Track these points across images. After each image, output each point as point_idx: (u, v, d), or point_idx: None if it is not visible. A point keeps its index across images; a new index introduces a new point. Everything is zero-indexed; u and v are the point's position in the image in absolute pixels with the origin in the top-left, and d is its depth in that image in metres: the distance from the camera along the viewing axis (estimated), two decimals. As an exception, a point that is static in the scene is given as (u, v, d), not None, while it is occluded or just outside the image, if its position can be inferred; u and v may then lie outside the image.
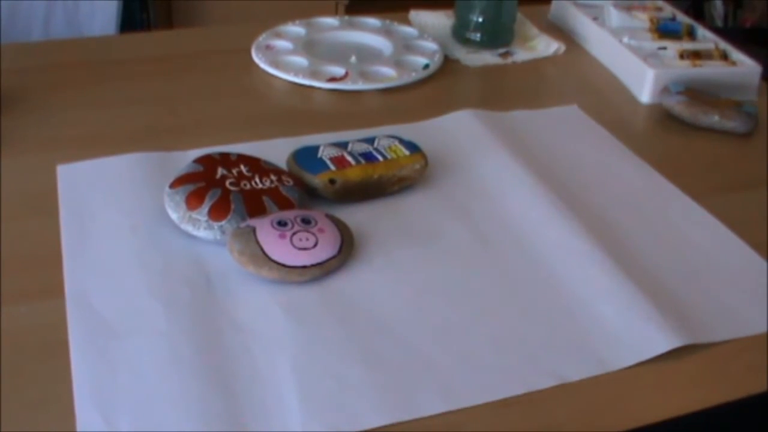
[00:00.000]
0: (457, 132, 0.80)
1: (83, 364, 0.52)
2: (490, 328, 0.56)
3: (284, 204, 0.64)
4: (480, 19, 1.00)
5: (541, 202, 0.69)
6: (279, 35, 1.01)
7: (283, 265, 0.58)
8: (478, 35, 1.01)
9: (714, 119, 0.84)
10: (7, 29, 1.50)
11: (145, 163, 0.72)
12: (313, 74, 0.91)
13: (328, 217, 0.62)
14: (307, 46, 0.98)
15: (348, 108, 0.87)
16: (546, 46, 1.03)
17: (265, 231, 0.59)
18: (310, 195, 0.67)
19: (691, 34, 0.99)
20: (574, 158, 0.77)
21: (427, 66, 0.95)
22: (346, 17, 1.08)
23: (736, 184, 0.76)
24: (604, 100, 0.91)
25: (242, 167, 0.66)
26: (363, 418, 0.49)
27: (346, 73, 0.92)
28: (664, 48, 0.95)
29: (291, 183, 0.66)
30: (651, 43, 0.96)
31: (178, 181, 0.64)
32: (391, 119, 0.82)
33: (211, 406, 0.49)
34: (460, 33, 1.03)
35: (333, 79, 0.90)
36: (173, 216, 0.62)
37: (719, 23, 2.08)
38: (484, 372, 0.53)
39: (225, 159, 0.67)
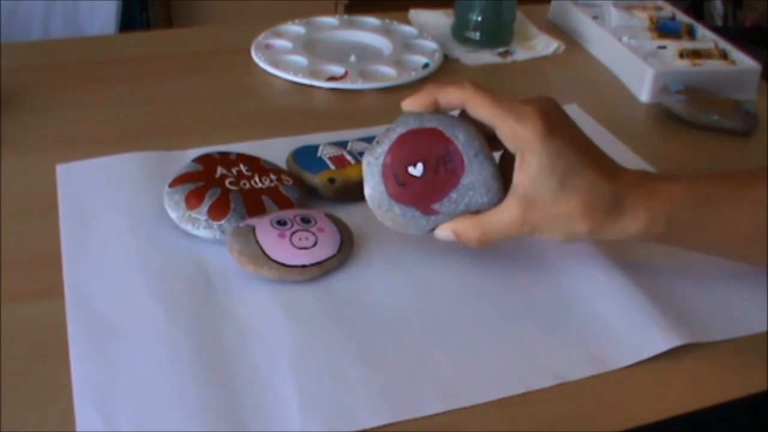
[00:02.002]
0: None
1: (83, 363, 0.51)
2: (489, 327, 0.56)
3: (284, 203, 0.64)
4: (479, 18, 1.00)
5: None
6: (278, 34, 1.01)
7: (283, 265, 0.58)
8: (478, 34, 1.01)
9: (713, 118, 0.84)
10: (6, 29, 1.51)
11: (144, 162, 0.72)
12: (313, 73, 0.91)
13: (327, 217, 0.62)
14: (307, 46, 0.98)
15: (348, 107, 0.87)
16: (545, 45, 1.03)
17: (265, 230, 0.59)
18: (309, 194, 0.67)
19: (691, 34, 0.99)
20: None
21: (426, 65, 0.95)
22: (346, 16, 1.08)
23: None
24: (604, 99, 0.91)
25: (242, 166, 0.66)
26: (362, 418, 0.49)
27: (346, 73, 0.92)
28: (664, 47, 0.95)
29: (290, 182, 0.66)
30: (650, 42, 0.96)
31: (178, 181, 0.64)
32: (390, 118, 0.81)
33: (211, 405, 0.49)
34: (459, 32, 1.03)
35: (332, 79, 0.90)
36: (173, 215, 0.62)
37: (719, 22, 2.08)
38: (484, 371, 0.53)
39: (224, 158, 0.67)
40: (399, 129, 0.56)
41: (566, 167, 0.53)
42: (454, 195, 0.55)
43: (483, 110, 0.55)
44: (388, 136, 0.56)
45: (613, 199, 0.54)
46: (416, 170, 0.55)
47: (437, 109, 0.57)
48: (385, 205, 0.56)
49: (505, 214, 0.55)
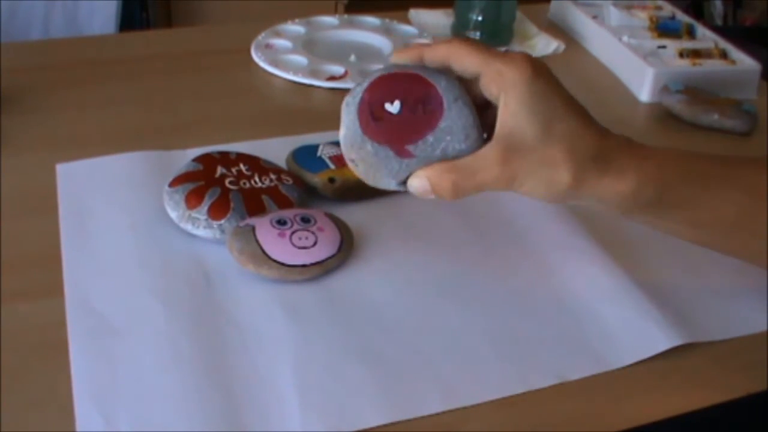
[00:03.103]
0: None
1: (83, 363, 0.51)
2: (489, 326, 0.56)
3: (284, 203, 0.64)
4: (479, 18, 1.00)
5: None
6: (278, 34, 1.01)
7: (283, 264, 0.58)
8: (478, 34, 1.01)
9: (713, 118, 0.84)
10: (6, 29, 1.50)
11: (144, 161, 0.72)
12: (313, 73, 0.91)
13: (327, 216, 0.62)
14: (307, 45, 0.98)
15: (347, 107, 0.87)
16: (545, 44, 1.03)
17: (265, 230, 0.59)
18: (309, 194, 0.67)
19: (691, 33, 0.99)
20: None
21: (426, 65, 0.95)
22: (346, 16, 1.08)
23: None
24: (604, 98, 0.91)
25: (242, 166, 0.66)
26: (362, 418, 0.49)
27: (346, 72, 0.92)
28: (664, 47, 0.95)
29: (290, 182, 0.66)
30: (650, 42, 0.96)
31: (178, 180, 0.64)
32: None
33: (211, 405, 0.49)
34: (459, 32, 1.03)
35: (332, 78, 0.90)
36: (172, 215, 0.62)
37: (719, 22, 2.08)
38: (484, 371, 0.53)
39: (224, 158, 0.67)
40: (381, 71, 0.54)
41: (551, 111, 0.50)
42: (430, 138, 0.52)
43: (469, 58, 0.52)
44: (369, 77, 0.54)
45: (599, 152, 0.51)
46: (393, 107, 0.52)
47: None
48: (357, 143, 0.52)
49: (485, 159, 0.51)
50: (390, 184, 0.54)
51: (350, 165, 0.54)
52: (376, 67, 0.92)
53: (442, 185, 0.52)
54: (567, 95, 0.52)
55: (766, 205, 0.53)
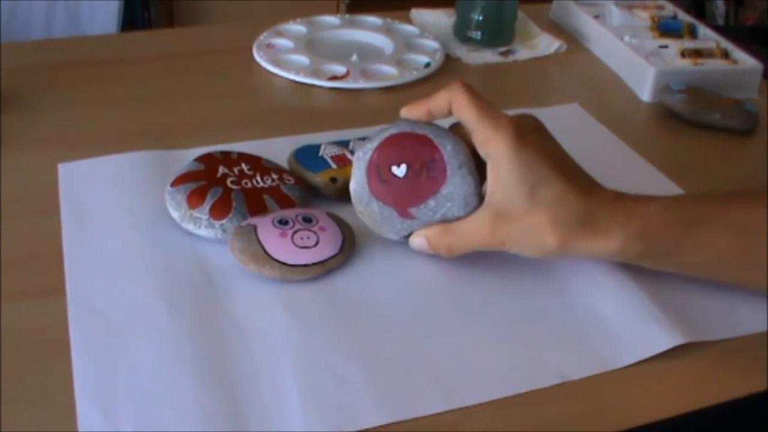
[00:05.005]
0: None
1: (84, 362, 0.52)
2: (490, 326, 0.56)
3: (285, 202, 0.64)
4: (481, 18, 1.00)
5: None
6: (280, 34, 1.01)
7: (285, 264, 0.58)
8: (479, 34, 1.01)
9: (715, 118, 0.84)
10: (7, 29, 1.51)
11: (146, 161, 0.72)
12: (314, 73, 0.91)
13: (329, 216, 0.62)
14: (309, 45, 0.98)
15: (349, 106, 0.87)
16: (547, 44, 1.03)
17: (267, 229, 0.59)
18: (311, 193, 0.67)
19: (693, 33, 0.99)
20: (574, 156, 0.77)
21: (428, 64, 0.95)
22: (348, 16, 1.08)
23: (737, 182, 0.76)
24: (606, 98, 0.91)
25: (243, 166, 0.66)
26: (364, 417, 0.49)
27: (347, 72, 0.92)
28: (666, 46, 0.95)
29: (292, 181, 0.66)
30: (652, 42, 0.96)
31: (179, 180, 0.64)
32: (392, 118, 0.81)
33: (212, 405, 0.49)
34: (461, 31, 1.03)
35: (334, 78, 0.90)
36: (174, 214, 0.62)
37: (720, 22, 2.08)
38: (485, 371, 0.53)
39: (226, 157, 0.67)
40: (391, 130, 0.58)
41: (536, 179, 0.53)
42: (432, 203, 0.56)
43: (464, 112, 0.55)
44: (379, 135, 0.58)
45: (584, 216, 0.54)
46: (399, 170, 0.56)
47: (432, 121, 0.58)
48: (365, 200, 0.58)
49: (475, 223, 0.55)
50: (392, 237, 0.59)
51: (358, 214, 0.59)
52: (377, 67, 0.93)
53: (439, 246, 0.57)
54: (556, 160, 0.55)
55: (762, 239, 0.55)
